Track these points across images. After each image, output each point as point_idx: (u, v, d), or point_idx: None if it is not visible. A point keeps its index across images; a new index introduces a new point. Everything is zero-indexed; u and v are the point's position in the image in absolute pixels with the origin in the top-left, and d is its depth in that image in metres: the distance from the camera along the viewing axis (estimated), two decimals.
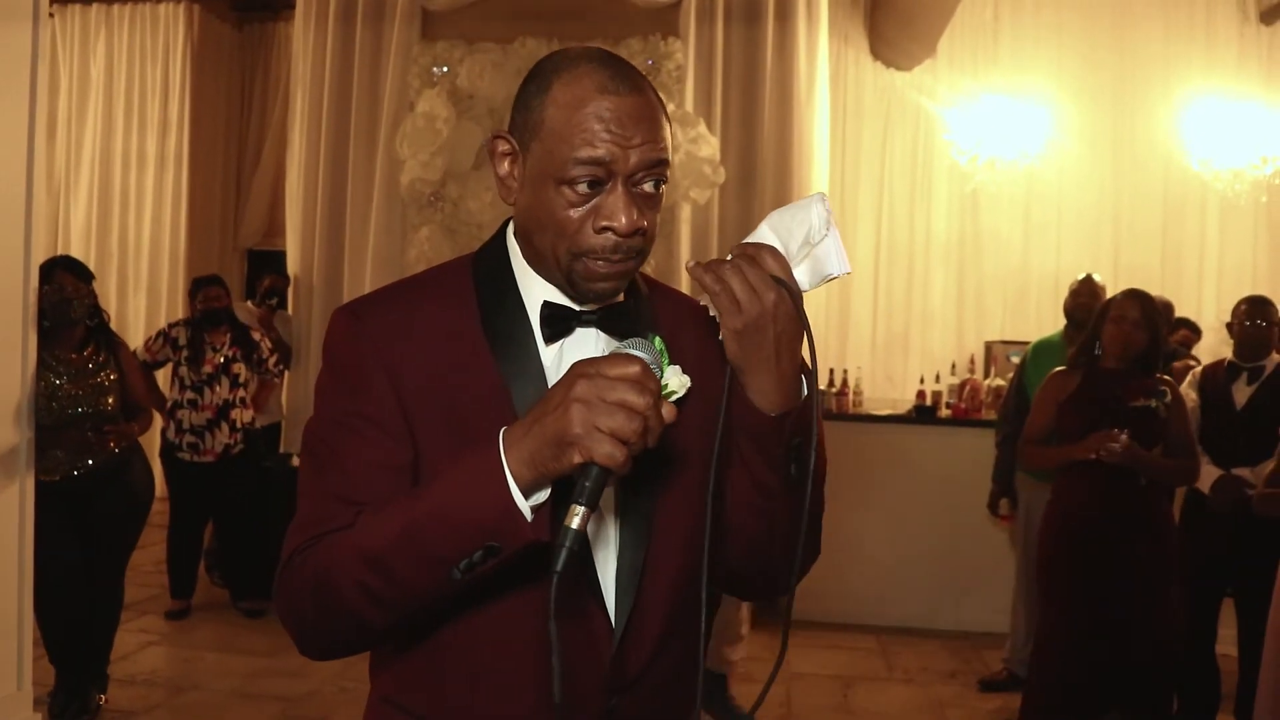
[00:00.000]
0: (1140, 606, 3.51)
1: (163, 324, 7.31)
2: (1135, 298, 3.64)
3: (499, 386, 1.18)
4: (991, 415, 5.57)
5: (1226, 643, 4.13)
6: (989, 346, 6.79)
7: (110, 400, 4.03)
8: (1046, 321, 6.24)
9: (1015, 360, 5.48)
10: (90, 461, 3.99)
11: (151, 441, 5.47)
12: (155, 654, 4.88)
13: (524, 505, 1.02)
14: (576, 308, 1.21)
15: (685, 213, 6.05)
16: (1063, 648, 3.60)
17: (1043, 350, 4.72)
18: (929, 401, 6.12)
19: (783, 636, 1.17)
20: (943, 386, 6.38)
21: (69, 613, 4.01)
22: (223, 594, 5.69)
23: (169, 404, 5.36)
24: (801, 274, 1.14)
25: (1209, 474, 3.90)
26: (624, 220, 1.12)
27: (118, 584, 4.23)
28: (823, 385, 6.22)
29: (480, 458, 1.03)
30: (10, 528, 3.75)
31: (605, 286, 1.17)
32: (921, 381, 6.41)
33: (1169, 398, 3.59)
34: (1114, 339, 3.60)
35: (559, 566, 0.98)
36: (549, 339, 1.21)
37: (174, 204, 8.49)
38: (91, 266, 4.36)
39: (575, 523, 0.99)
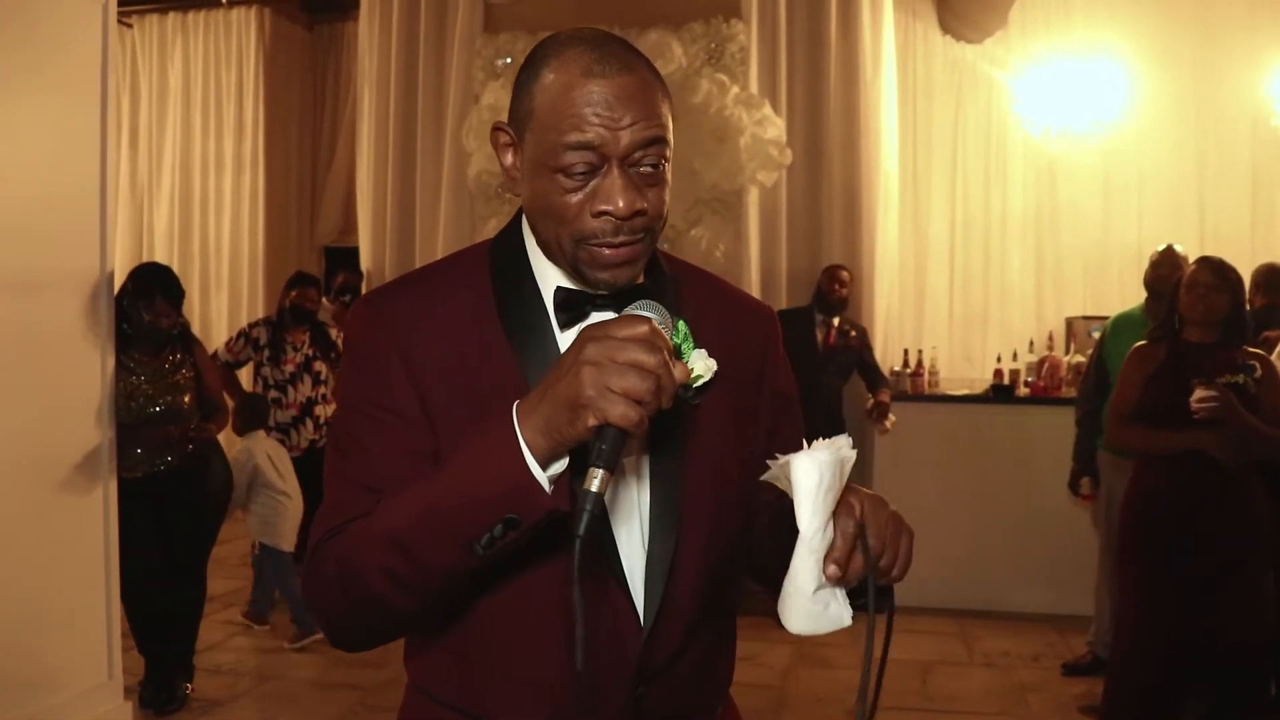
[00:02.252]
0: (1229, 588, 3.38)
1: (244, 322, 7.50)
2: (1207, 262, 3.50)
3: (516, 373, 1.17)
4: (1072, 393, 5.43)
5: None
6: (1069, 322, 6.61)
7: (187, 399, 4.12)
8: (1130, 295, 6.04)
9: (1096, 336, 5.33)
10: (169, 458, 4.09)
11: (234, 438, 5.60)
12: (240, 644, 5.00)
13: (541, 475, 1.00)
14: (591, 292, 1.19)
15: (753, 195, 6.01)
16: (1144, 635, 3.49)
17: (1123, 324, 4.58)
18: (1007, 380, 5.99)
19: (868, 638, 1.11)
20: (1021, 364, 6.24)
21: (153, 605, 4.12)
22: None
23: None
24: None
25: None
26: (621, 203, 1.09)
27: (200, 577, 4.33)
28: (898, 366, 6.12)
29: (495, 431, 1.02)
30: (95, 524, 3.87)
31: (611, 274, 1.14)
32: (999, 360, 6.27)
33: (1259, 372, 3.43)
34: (1190, 306, 3.47)
35: (580, 530, 0.96)
36: (565, 324, 1.19)
37: (251, 205, 8.67)
38: (175, 268, 4.46)
39: (595, 485, 0.97)
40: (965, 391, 6.07)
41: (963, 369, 6.84)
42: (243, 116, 8.69)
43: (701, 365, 1.19)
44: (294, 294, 5.51)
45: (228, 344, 5.54)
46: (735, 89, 5.78)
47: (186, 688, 4.24)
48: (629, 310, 1.05)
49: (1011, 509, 5.51)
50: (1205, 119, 6.67)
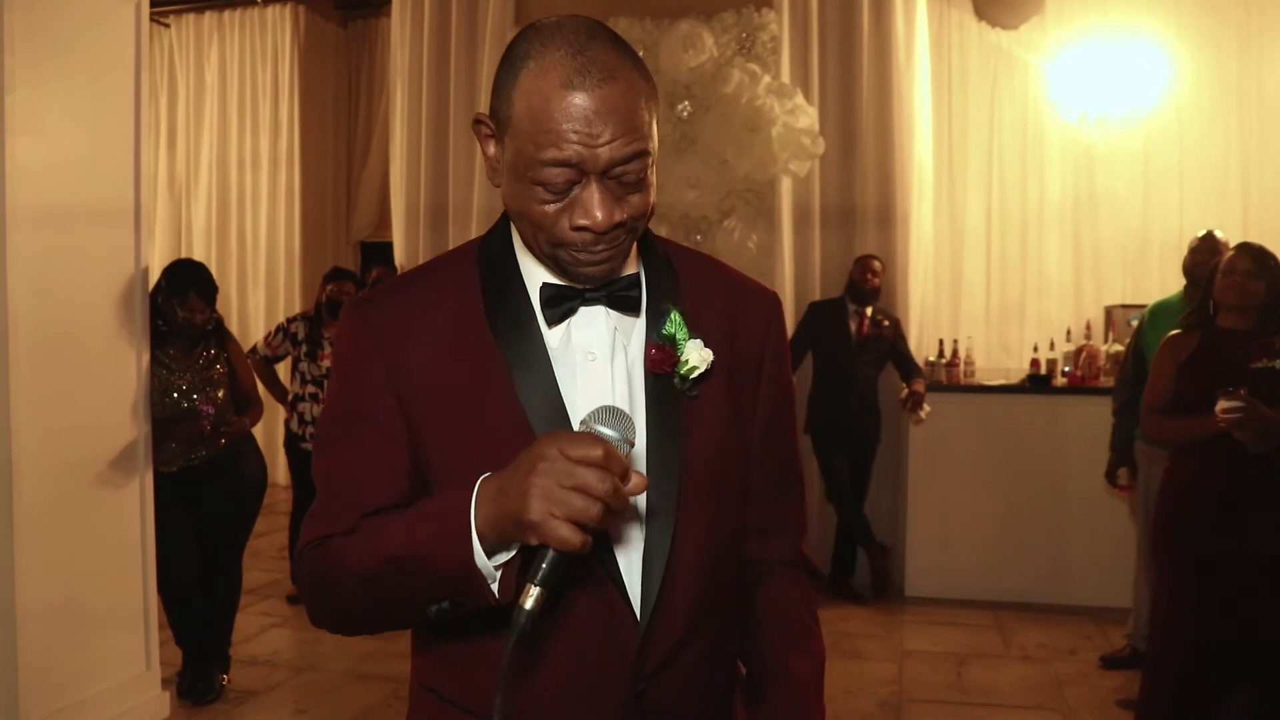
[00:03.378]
0: (1269, 581, 3.31)
1: (281, 317, 7.57)
2: (1245, 248, 3.43)
3: (502, 371, 1.17)
4: (1110, 383, 5.35)
5: None
6: (1108, 311, 6.51)
7: (221, 394, 4.16)
8: (1170, 283, 5.92)
9: (1134, 324, 5.25)
10: (204, 452, 4.14)
11: (274, 432, 5.67)
12: (277, 636, 5.05)
13: (486, 565, 1.02)
14: (579, 286, 1.18)
15: (785, 185, 5.97)
16: (1181, 628, 3.42)
17: (1161, 312, 4.50)
18: (1044, 370, 5.91)
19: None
20: (1058, 354, 6.16)
21: (189, 597, 4.18)
22: None
23: (290, 396, 5.53)
24: None
25: None
26: (599, 217, 1.08)
27: (236, 569, 4.38)
28: (933, 356, 6.07)
29: (453, 509, 1.03)
30: (132, 517, 3.93)
31: (593, 272, 1.14)
32: (1035, 350, 6.20)
33: None
34: (1226, 292, 3.40)
35: (510, 645, 0.98)
36: (552, 321, 1.18)
37: (287, 201, 8.76)
38: (212, 266, 4.52)
39: (529, 603, 0.98)
40: (1001, 382, 6.01)
41: (999, 359, 6.76)
42: (278, 114, 8.78)
43: (697, 356, 1.18)
44: (330, 288, 5.54)
45: (266, 339, 5.59)
46: (767, 78, 5.74)
47: (223, 679, 4.30)
48: (587, 424, 1.01)
49: (1048, 500, 5.44)
50: (1247, 102, 6.54)
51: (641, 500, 1.17)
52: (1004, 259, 7.02)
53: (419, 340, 1.18)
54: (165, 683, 4.09)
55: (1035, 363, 6.01)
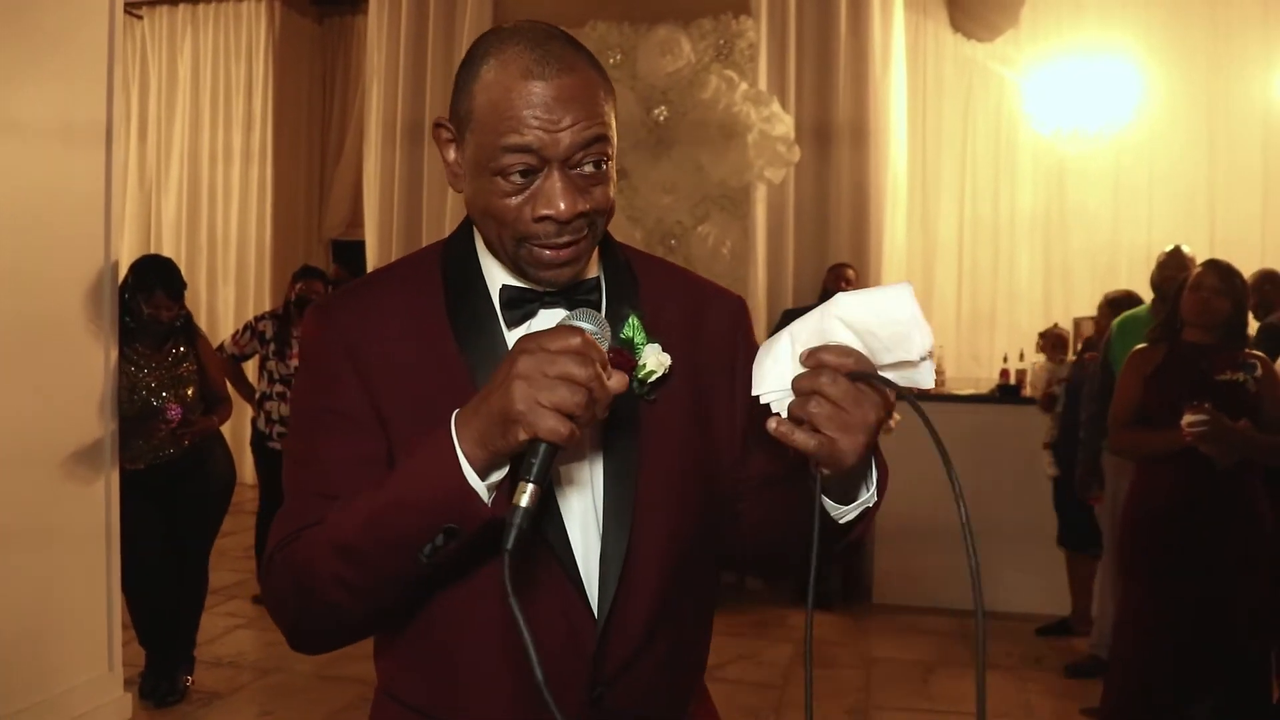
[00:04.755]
0: (1232, 590, 3.36)
1: (250, 314, 7.50)
2: (1213, 266, 3.49)
3: (463, 372, 1.17)
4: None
5: None
6: (1077, 323, 6.57)
7: (190, 391, 4.12)
8: (1126, 300, 6.02)
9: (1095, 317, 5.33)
10: (171, 450, 4.09)
11: (241, 431, 5.62)
12: (242, 637, 5.01)
13: (479, 485, 1.01)
14: (539, 289, 1.18)
15: (760, 192, 5.99)
16: (1144, 638, 3.46)
17: (1129, 325, 4.55)
18: (1013, 380, 5.96)
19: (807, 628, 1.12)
20: (1028, 365, 6.21)
21: (155, 597, 4.13)
22: None
23: (258, 395, 5.48)
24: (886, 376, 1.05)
25: None
26: (562, 206, 1.08)
27: (202, 569, 4.34)
28: None
29: (434, 441, 1.02)
30: (97, 515, 3.88)
31: (554, 274, 1.14)
32: (1005, 360, 6.25)
33: (1259, 371, 3.42)
34: (1192, 307, 3.45)
35: (509, 544, 0.96)
36: (512, 322, 1.19)
37: (259, 197, 8.70)
38: (181, 261, 4.48)
39: (524, 500, 0.97)
40: (971, 391, 6.05)
41: (970, 368, 6.82)
42: (251, 109, 8.72)
43: (655, 360, 1.18)
44: (299, 286, 5.51)
45: (234, 337, 5.54)
46: (744, 85, 5.77)
47: (187, 680, 4.25)
48: (565, 320, 1.04)
49: (1015, 509, 5.48)
50: (1216, 120, 6.65)
51: (599, 503, 1.17)
52: (975, 269, 7.09)
53: (382, 340, 1.18)
54: (128, 684, 4.04)
55: (1005, 373, 6.06)
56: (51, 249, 3.68)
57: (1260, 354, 3.50)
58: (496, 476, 1.02)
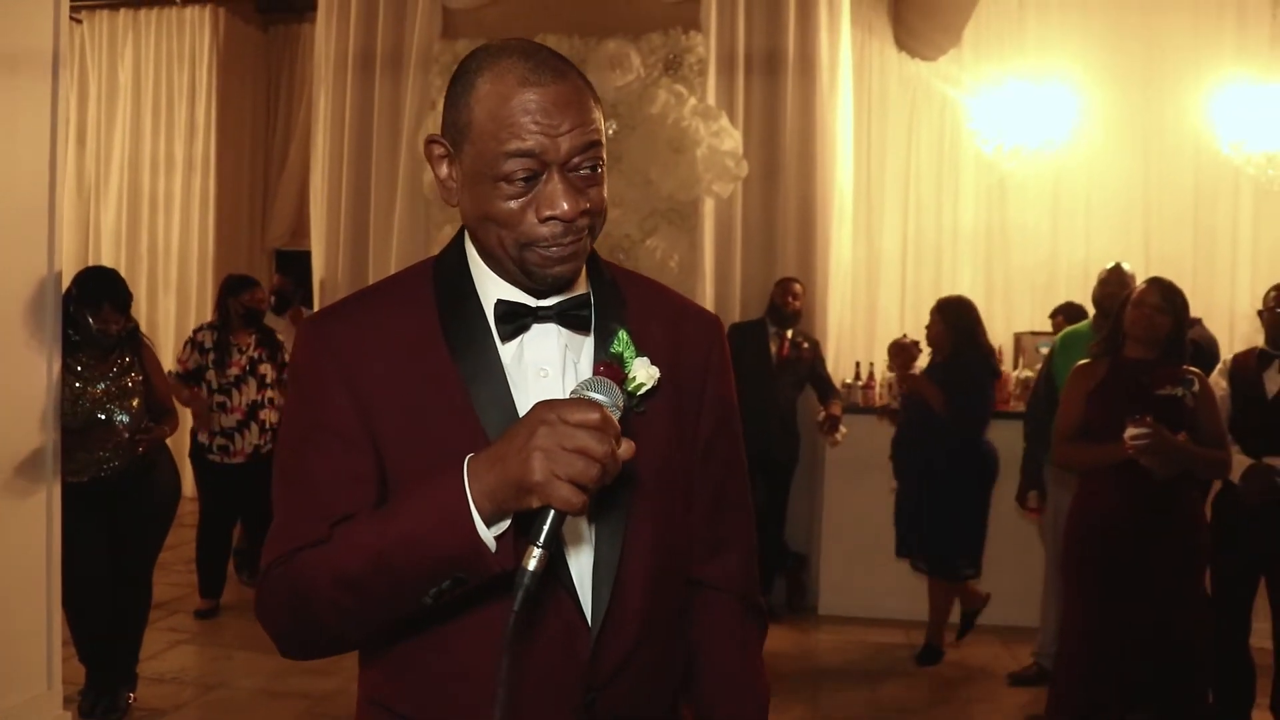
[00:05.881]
0: (1169, 603, 3.45)
1: (192, 324, 7.38)
2: (1156, 283, 3.59)
3: (459, 387, 1.19)
4: (1020, 407, 5.50)
5: (1261, 636, 4.05)
6: (1018, 338, 6.71)
7: (135, 403, 4.05)
8: (1076, 312, 6.15)
9: (1044, 351, 5.41)
10: (116, 463, 4.01)
11: (181, 443, 5.52)
12: (184, 653, 4.92)
13: (488, 537, 1.04)
14: (532, 304, 1.21)
15: (709, 207, 6.04)
16: (1087, 647, 3.54)
17: (1071, 341, 4.65)
18: None
19: None
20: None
21: (97, 612, 4.04)
22: (250, 593, 5.70)
23: None
24: None
25: (1239, 464, 3.82)
26: (566, 207, 1.13)
27: (146, 583, 4.25)
28: (849, 378, 6.17)
29: (446, 489, 1.05)
30: (38, 529, 3.79)
31: (560, 270, 1.17)
32: None
33: (1197, 386, 3.53)
34: (1135, 323, 3.55)
35: (516, 606, 1.01)
36: (506, 336, 1.21)
37: (201, 207, 8.57)
38: (121, 270, 4.39)
39: (532, 564, 1.02)
40: None
41: None
42: (194, 117, 8.60)
43: (644, 373, 1.20)
44: (245, 296, 5.44)
45: (178, 357, 5.44)
46: (693, 100, 5.81)
47: (129, 697, 4.16)
48: (581, 391, 1.07)
49: None
50: (1150, 142, 6.83)
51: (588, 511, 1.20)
52: (918, 284, 7.19)
53: (376, 355, 1.20)
54: (67, 702, 3.95)
55: None
56: None
57: (1197, 370, 3.61)
58: (502, 526, 1.06)
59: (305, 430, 1.20)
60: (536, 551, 1.01)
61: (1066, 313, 6.07)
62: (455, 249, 1.28)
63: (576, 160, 1.13)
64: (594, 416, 1.00)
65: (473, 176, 1.15)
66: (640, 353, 1.21)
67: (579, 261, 1.19)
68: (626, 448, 1.04)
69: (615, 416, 1.05)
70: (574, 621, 1.19)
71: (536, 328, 1.21)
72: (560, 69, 1.14)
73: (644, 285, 1.37)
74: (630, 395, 1.21)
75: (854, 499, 5.73)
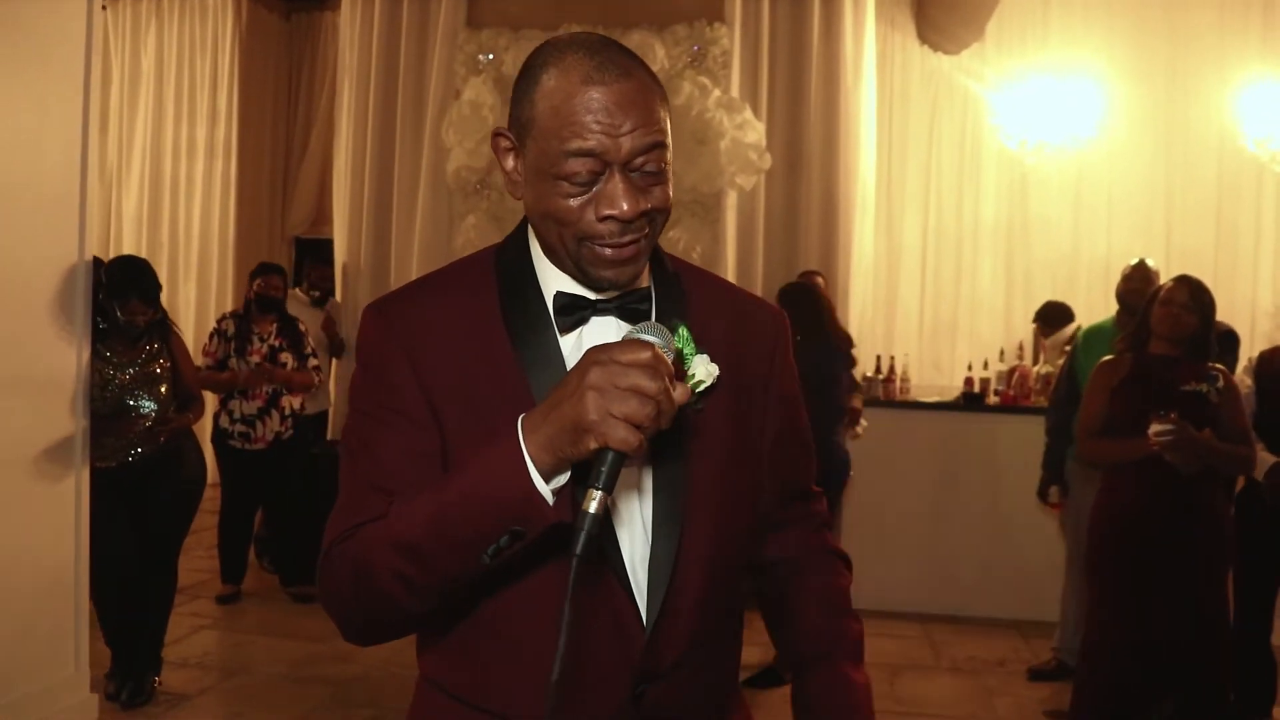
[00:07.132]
0: (1193, 599, 3.45)
1: (212, 311, 7.42)
2: (1185, 282, 3.58)
3: (518, 375, 1.19)
4: (1041, 402, 5.50)
5: None
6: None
7: (163, 389, 4.08)
8: (1097, 307, 6.15)
9: (1067, 348, 5.41)
10: (143, 449, 4.05)
11: (204, 428, 5.55)
12: (207, 638, 4.96)
13: (545, 489, 1.03)
14: (591, 296, 1.21)
15: (731, 199, 6.04)
16: (1112, 645, 3.54)
17: (1094, 336, 4.64)
18: (977, 388, 6.05)
19: None
20: (991, 373, 6.31)
21: (123, 597, 4.08)
22: (272, 579, 5.77)
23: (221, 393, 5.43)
24: None
25: (1263, 461, 3.81)
26: (625, 207, 1.12)
27: (171, 569, 4.29)
28: (869, 372, 6.17)
29: (502, 445, 1.04)
30: (66, 514, 3.83)
31: (615, 273, 1.17)
32: (970, 368, 6.34)
33: (1221, 383, 3.51)
34: (1162, 321, 3.54)
35: (578, 549, 1.00)
36: (565, 328, 1.21)
37: (223, 193, 8.60)
38: (142, 255, 4.40)
39: (593, 507, 1.01)
40: (936, 399, 6.13)
41: (931, 376, 6.91)
42: (216, 103, 8.62)
43: (704, 370, 1.21)
44: (258, 283, 5.47)
45: (204, 348, 5.47)
46: (717, 92, 5.81)
47: (155, 680, 4.20)
48: (633, 333, 1.07)
49: (979, 516, 5.57)
50: (1174, 137, 6.80)
51: (648, 511, 1.20)
52: (938, 278, 7.19)
53: (438, 340, 1.21)
54: (94, 684, 3.98)
55: (969, 380, 6.15)
56: (25, 245, 3.64)
57: (1222, 366, 3.60)
58: (560, 481, 1.05)
59: (371, 410, 1.20)
60: (596, 494, 1.00)
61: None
62: (518, 239, 1.28)
63: (639, 160, 1.12)
64: (645, 355, 0.99)
65: (535, 172, 1.15)
66: (700, 349, 1.21)
67: (639, 263, 1.18)
68: (681, 391, 1.03)
69: (668, 356, 1.04)
70: (628, 615, 1.19)
71: (596, 320, 1.21)
72: (626, 67, 1.13)
73: (708, 281, 1.36)
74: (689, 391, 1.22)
75: (873, 493, 5.73)
